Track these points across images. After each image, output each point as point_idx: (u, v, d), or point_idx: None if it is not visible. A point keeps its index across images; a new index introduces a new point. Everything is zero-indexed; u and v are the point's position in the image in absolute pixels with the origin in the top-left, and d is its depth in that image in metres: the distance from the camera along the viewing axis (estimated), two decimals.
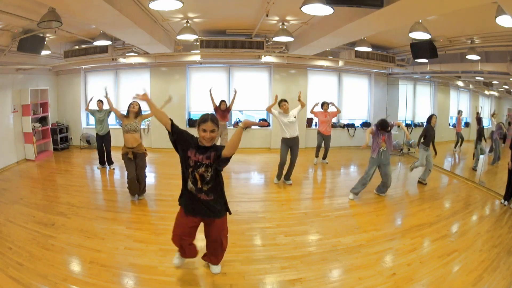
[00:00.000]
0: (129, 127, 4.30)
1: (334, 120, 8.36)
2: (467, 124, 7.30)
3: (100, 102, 6.09)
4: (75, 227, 3.57)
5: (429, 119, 5.33)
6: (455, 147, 7.40)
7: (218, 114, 6.50)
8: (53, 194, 4.75)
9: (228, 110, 6.63)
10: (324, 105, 6.54)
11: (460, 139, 7.30)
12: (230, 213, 2.59)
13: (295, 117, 5.09)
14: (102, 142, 6.11)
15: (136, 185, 4.37)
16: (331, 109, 6.61)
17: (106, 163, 6.23)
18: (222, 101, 6.56)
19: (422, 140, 5.34)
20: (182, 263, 2.78)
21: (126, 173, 4.41)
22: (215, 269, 2.74)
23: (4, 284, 2.51)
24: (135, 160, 4.34)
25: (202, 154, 2.39)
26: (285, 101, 5.11)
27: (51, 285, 2.52)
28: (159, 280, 2.65)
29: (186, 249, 2.64)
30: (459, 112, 7.22)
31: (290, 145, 5.10)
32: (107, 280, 2.62)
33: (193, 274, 2.76)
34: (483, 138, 6.25)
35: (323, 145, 6.74)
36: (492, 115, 6.42)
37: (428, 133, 5.30)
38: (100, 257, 2.95)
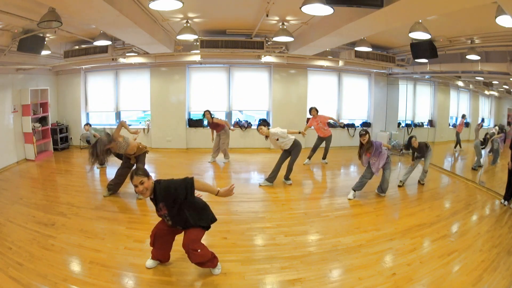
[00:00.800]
0: (120, 150, 4.34)
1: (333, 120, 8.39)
2: (467, 124, 7.30)
3: (87, 125, 6.89)
4: (75, 227, 3.57)
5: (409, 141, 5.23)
6: (455, 147, 7.39)
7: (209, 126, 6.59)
8: (53, 194, 4.75)
9: (214, 124, 6.48)
10: (312, 110, 6.49)
11: (458, 139, 7.28)
12: (206, 229, 2.65)
13: (277, 139, 4.96)
14: None
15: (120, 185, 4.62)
16: (321, 112, 6.61)
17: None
18: (205, 112, 6.44)
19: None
20: (153, 265, 2.82)
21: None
22: (214, 270, 2.75)
23: (4, 284, 2.50)
24: (136, 162, 4.41)
25: (159, 207, 2.50)
26: (260, 125, 4.96)
27: (51, 285, 2.51)
28: (159, 280, 2.65)
29: (158, 244, 2.74)
30: (463, 116, 7.23)
31: (289, 151, 5.11)
32: (107, 280, 2.62)
33: (193, 274, 2.76)
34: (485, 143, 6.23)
35: (323, 145, 6.74)
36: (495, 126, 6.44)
37: (415, 153, 5.33)
38: (100, 257, 2.95)
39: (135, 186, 2.37)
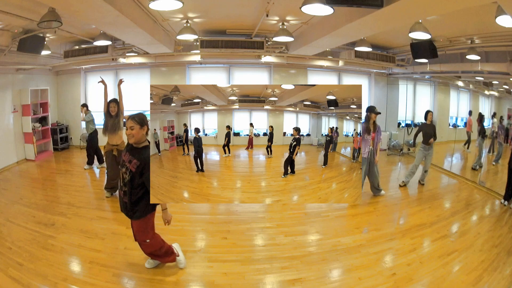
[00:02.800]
0: (113, 126, 4.34)
1: None
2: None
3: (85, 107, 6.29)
4: (75, 227, 3.57)
5: (425, 116, 5.32)
6: (464, 145, 7.30)
7: None
8: (53, 194, 4.75)
9: None
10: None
11: (469, 138, 7.21)
12: (139, 217, 2.52)
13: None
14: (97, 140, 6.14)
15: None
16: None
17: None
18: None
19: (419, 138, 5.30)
20: (153, 265, 2.84)
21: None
22: (179, 265, 2.80)
23: (4, 284, 2.50)
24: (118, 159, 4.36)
25: (130, 155, 2.44)
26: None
27: (51, 285, 2.52)
28: (159, 280, 2.66)
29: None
30: (470, 113, 7.20)
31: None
32: (107, 280, 2.62)
33: (193, 274, 2.76)
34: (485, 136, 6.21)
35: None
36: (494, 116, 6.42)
37: (423, 130, 5.27)
38: (100, 257, 2.95)
39: (126, 128, 2.39)
